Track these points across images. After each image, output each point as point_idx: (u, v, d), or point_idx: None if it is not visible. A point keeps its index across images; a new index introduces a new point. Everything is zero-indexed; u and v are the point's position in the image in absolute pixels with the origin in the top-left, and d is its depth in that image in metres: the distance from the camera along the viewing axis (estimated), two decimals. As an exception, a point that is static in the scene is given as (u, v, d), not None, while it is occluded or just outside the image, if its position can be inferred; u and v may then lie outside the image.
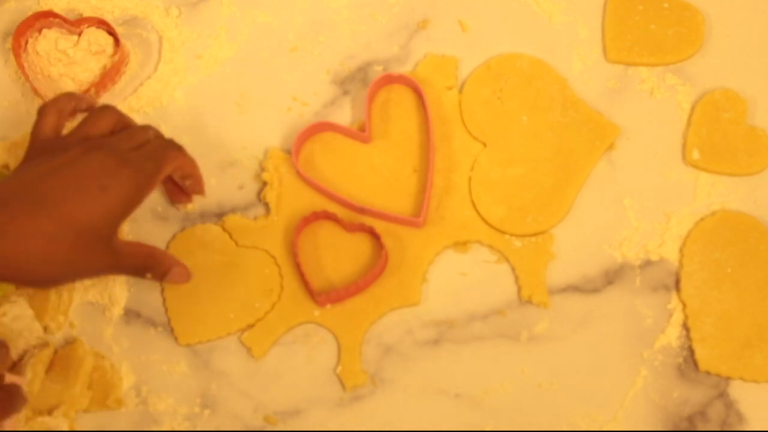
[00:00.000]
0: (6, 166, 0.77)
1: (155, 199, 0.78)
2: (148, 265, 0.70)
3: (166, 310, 0.76)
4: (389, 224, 0.76)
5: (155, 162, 0.68)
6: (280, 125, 0.80)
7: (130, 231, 0.78)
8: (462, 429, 0.73)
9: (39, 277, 0.65)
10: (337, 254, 0.76)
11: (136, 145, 0.69)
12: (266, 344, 0.75)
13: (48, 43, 0.80)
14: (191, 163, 0.72)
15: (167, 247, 0.77)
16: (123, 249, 0.67)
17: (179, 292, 0.76)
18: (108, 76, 0.80)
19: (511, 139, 0.78)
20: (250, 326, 0.75)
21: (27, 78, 0.79)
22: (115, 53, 0.80)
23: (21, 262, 0.63)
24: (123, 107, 0.80)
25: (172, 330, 0.75)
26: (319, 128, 0.78)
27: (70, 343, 0.75)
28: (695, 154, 0.77)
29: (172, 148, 0.70)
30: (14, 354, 0.73)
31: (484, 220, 0.76)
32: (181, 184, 0.74)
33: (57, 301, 0.75)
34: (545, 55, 0.80)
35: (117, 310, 0.76)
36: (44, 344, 0.73)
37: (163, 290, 0.76)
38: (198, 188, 0.75)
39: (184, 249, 0.77)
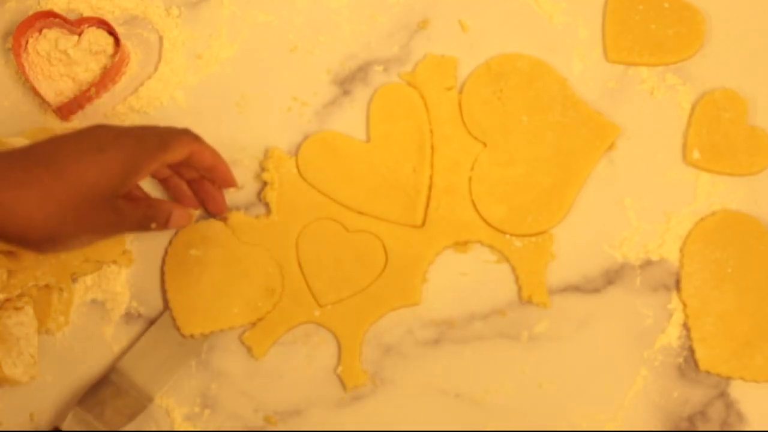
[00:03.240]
0: None
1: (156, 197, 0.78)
2: (149, 215, 0.69)
3: (168, 300, 0.75)
4: (389, 224, 0.76)
5: (161, 138, 0.68)
6: (280, 125, 0.80)
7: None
8: (462, 429, 0.73)
9: (35, 233, 0.63)
10: (338, 254, 0.76)
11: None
12: (266, 344, 0.75)
13: (48, 43, 0.80)
14: (211, 152, 0.71)
15: (170, 241, 0.77)
16: (123, 207, 0.66)
17: (181, 284, 0.76)
18: (108, 76, 0.80)
19: (511, 139, 0.78)
20: (252, 324, 0.75)
21: (27, 78, 0.79)
22: (115, 53, 0.80)
23: (17, 212, 0.62)
24: (123, 107, 0.80)
25: (174, 320, 0.75)
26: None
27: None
28: (695, 154, 0.77)
29: (184, 133, 0.70)
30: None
31: (484, 220, 0.76)
32: (209, 178, 0.74)
33: (58, 301, 0.75)
34: (545, 55, 0.80)
35: (117, 310, 0.76)
36: (33, 363, 0.73)
37: (164, 281, 0.76)
38: (227, 180, 0.74)
39: (187, 243, 0.76)
